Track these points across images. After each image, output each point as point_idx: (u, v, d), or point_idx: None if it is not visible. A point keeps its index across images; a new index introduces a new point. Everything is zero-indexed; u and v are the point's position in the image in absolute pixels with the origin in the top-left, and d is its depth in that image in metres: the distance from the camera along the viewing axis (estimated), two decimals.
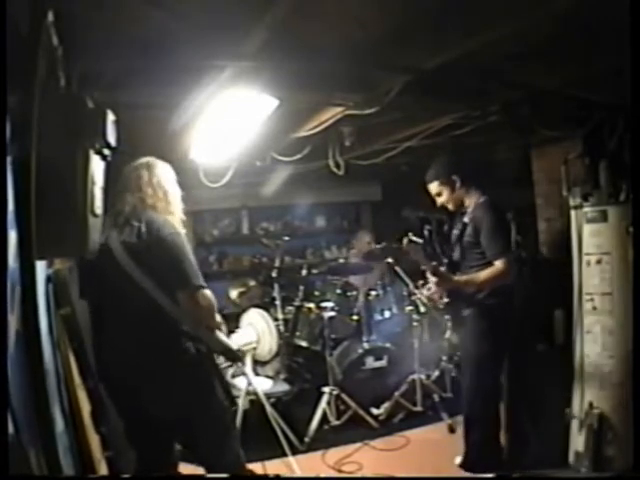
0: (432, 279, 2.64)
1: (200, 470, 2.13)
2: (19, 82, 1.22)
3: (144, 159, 2.14)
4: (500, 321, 2.65)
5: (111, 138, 1.57)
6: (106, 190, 1.72)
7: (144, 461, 2.11)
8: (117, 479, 2.28)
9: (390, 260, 4.20)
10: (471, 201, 2.71)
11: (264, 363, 3.94)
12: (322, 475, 3.09)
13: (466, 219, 2.69)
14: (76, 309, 2.27)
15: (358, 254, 5.03)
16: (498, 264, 2.54)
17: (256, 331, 3.27)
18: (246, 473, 2.25)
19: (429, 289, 2.91)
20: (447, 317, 2.87)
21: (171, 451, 2.18)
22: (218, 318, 2.11)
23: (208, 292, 1.97)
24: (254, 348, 3.25)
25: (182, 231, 2.03)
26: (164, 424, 2.01)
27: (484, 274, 2.57)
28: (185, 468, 2.35)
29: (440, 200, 2.80)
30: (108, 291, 1.99)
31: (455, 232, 2.81)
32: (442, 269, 2.66)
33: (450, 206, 2.79)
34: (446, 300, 2.73)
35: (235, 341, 3.09)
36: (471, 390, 2.69)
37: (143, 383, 1.93)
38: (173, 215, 2.07)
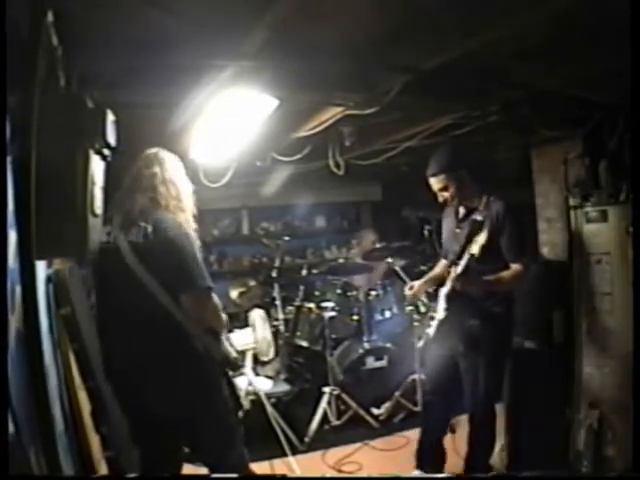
0: (452, 278, 2.50)
1: (204, 470, 2.13)
2: (19, 82, 1.22)
3: (153, 150, 2.10)
4: (506, 329, 2.63)
5: (111, 138, 1.57)
6: (106, 190, 1.72)
7: (149, 461, 2.11)
8: (117, 479, 2.28)
9: (390, 260, 4.20)
10: (480, 199, 2.56)
11: (264, 363, 3.94)
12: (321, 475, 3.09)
13: (479, 217, 2.51)
14: (76, 309, 2.27)
15: (360, 253, 5.04)
16: (517, 267, 2.46)
17: (254, 332, 3.27)
18: (249, 473, 2.25)
19: (411, 287, 2.85)
20: (432, 322, 2.70)
21: (176, 450, 2.18)
22: (224, 320, 2.10)
23: (213, 294, 1.96)
24: (253, 348, 3.25)
25: (192, 229, 2.01)
26: (170, 423, 2.01)
27: (508, 274, 2.47)
28: (187, 468, 2.35)
29: (445, 195, 2.61)
30: (115, 289, 1.98)
31: (457, 231, 2.66)
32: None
33: (455, 203, 2.63)
34: (444, 306, 2.58)
35: (234, 341, 3.09)
36: (478, 395, 2.63)
37: (150, 382, 1.93)
38: (184, 212, 2.05)
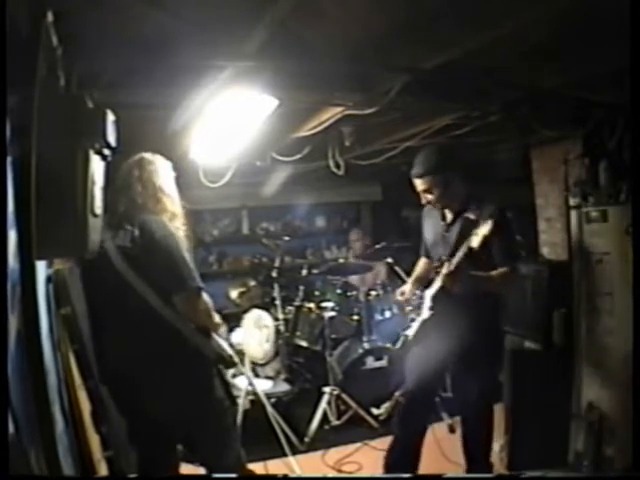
0: (442, 275, 2.44)
1: (201, 470, 2.14)
2: (19, 82, 1.22)
3: (138, 155, 2.12)
4: (498, 334, 2.64)
5: (111, 138, 1.57)
6: (106, 190, 1.72)
7: (146, 461, 2.11)
8: (117, 479, 2.28)
9: (390, 260, 4.21)
10: (468, 201, 2.51)
11: (264, 363, 3.95)
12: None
13: (472, 216, 2.44)
14: (76, 309, 2.27)
15: (355, 253, 5.07)
16: (505, 270, 2.44)
17: (244, 333, 3.27)
18: (247, 473, 2.25)
19: (402, 293, 2.81)
20: (413, 324, 2.63)
21: (173, 451, 2.19)
22: (217, 319, 2.10)
23: (204, 294, 1.96)
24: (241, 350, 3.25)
25: (177, 229, 2.00)
26: (166, 424, 2.02)
27: (497, 274, 2.44)
28: (186, 468, 2.35)
29: (428, 197, 2.55)
30: (107, 293, 1.99)
31: (447, 235, 2.59)
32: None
33: (439, 205, 2.58)
34: (430, 305, 2.52)
35: (233, 340, 3.10)
36: (472, 400, 2.62)
37: (144, 384, 1.94)
38: (166, 212, 2.04)
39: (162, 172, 2.13)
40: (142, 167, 2.08)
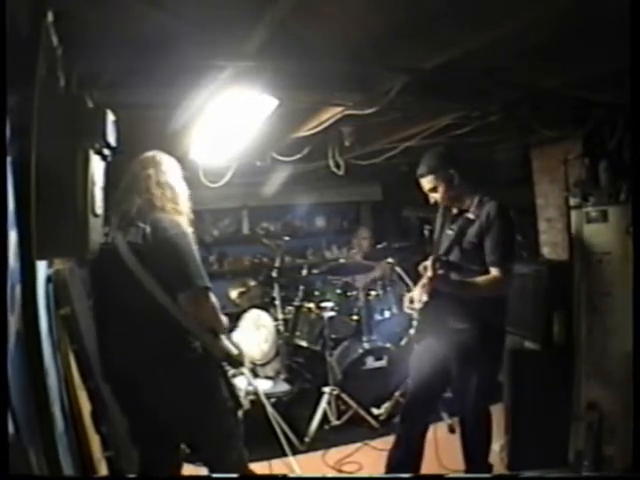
0: (428, 273, 2.45)
1: (204, 470, 2.13)
2: (19, 82, 1.22)
3: (150, 153, 2.12)
4: (498, 333, 2.58)
5: (111, 138, 1.57)
6: (106, 190, 1.72)
7: (147, 461, 2.11)
8: (117, 479, 2.28)
9: (390, 260, 4.20)
10: (472, 199, 2.51)
11: (264, 363, 3.95)
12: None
13: (471, 216, 2.47)
14: (76, 309, 2.27)
15: (359, 251, 5.08)
16: (495, 272, 2.38)
17: (249, 332, 3.27)
18: (249, 473, 2.25)
19: (412, 300, 2.68)
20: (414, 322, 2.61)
21: (175, 451, 2.18)
22: (224, 320, 2.09)
23: (211, 294, 1.96)
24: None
25: (189, 231, 2.01)
26: (169, 423, 2.01)
27: (483, 280, 2.40)
28: (187, 468, 2.35)
29: (435, 196, 2.57)
30: (114, 291, 1.98)
31: (450, 232, 2.58)
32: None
33: (446, 203, 2.57)
34: (425, 298, 2.48)
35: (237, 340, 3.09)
36: (469, 399, 2.59)
37: (149, 382, 1.93)
38: (181, 214, 2.05)
39: (176, 172, 2.14)
40: (159, 169, 2.08)
